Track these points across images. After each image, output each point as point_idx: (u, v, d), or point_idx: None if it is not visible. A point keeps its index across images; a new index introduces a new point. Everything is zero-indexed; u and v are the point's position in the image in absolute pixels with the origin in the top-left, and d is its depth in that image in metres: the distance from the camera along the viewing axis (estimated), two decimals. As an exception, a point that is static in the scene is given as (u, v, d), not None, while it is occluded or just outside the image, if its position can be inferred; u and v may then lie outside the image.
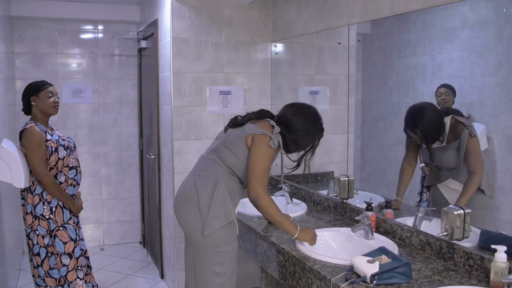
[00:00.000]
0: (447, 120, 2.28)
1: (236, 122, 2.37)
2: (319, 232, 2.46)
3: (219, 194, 2.25)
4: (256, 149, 2.23)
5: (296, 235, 2.26)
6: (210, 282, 2.29)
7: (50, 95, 2.92)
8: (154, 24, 4.00)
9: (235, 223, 2.35)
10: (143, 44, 4.44)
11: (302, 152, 2.37)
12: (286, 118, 2.31)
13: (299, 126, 2.29)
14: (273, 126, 2.27)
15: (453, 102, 2.33)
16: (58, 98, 2.98)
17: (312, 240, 2.25)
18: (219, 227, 2.24)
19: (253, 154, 2.23)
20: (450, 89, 2.33)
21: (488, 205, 2.20)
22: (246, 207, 2.97)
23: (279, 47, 3.77)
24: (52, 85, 2.98)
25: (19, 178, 2.77)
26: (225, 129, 2.41)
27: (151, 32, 4.21)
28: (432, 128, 2.32)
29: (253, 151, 2.24)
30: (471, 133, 2.18)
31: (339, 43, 3.16)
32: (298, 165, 2.37)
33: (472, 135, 2.18)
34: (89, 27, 4.95)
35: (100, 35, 4.97)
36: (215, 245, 2.26)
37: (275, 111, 2.45)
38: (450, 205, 2.04)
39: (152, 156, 4.25)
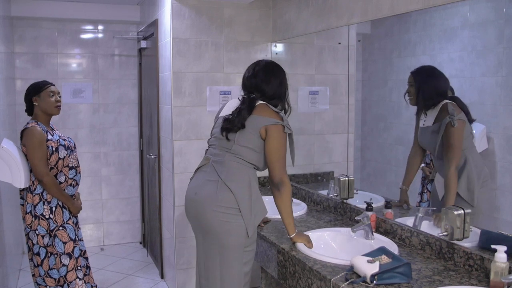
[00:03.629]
0: (442, 102, 2.29)
1: (235, 127, 2.30)
2: (320, 232, 2.47)
3: (255, 192, 2.30)
4: (274, 139, 2.28)
5: (292, 235, 2.33)
6: (238, 283, 2.29)
7: (52, 94, 2.93)
8: (154, 24, 4.00)
9: None
10: (143, 44, 4.44)
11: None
12: (264, 91, 2.37)
13: (276, 88, 2.38)
14: (276, 112, 2.31)
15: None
16: (60, 97, 2.99)
17: (308, 242, 2.30)
18: (258, 224, 2.31)
19: (272, 144, 2.28)
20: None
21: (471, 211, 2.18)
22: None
23: (279, 47, 3.77)
24: (53, 85, 2.99)
25: (19, 178, 2.77)
26: (226, 136, 2.32)
27: (151, 32, 4.21)
28: (428, 85, 2.35)
29: (271, 141, 2.28)
30: (452, 122, 2.18)
31: (339, 43, 3.17)
32: (289, 107, 2.44)
33: (452, 125, 2.18)
34: (89, 27, 4.95)
35: (100, 35, 4.97)
36: (247, 244, 2.29)
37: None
38: (450, 205, 2.04)
39: (152, 156, 4.25)
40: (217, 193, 2.26)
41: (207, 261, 2.36)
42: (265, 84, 2.36)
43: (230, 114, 2.36)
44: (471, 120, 2.20)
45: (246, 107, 2.31)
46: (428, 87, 2.35)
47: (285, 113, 2.41)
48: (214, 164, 2.34)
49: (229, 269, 2.29)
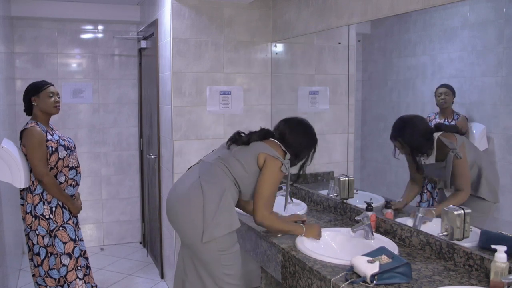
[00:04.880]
0: (436, 136, 2.30)
1: (240, 140, 2.38)
2: (319, 232, 2.47)
3: (226, 203, 2.26)
4: (268, 172, 2.30)
5: (303, 234, 2.35)
6: (221, 284, 2.28)
7: (51, 95, 2.93)
8: (154, 24, 4.00)
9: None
10: (143, 44, 4.44)
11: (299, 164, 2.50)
12: (285, 137, 2.41)
13: (298, 143, 2.41)
14: (284, 151, 2.35)
15: (453, 102, 2.33)
16: (59, 97, 2.99)
17: (318, 235, 2.36)
18: (220, 235, 2.23)
19: (264, 177, 2.30)
20: (449, 89, 2.33)
21: (490, 209, 2.21)
22: (246, 207, 2.97)
23: (279, 47, 3.77)
24: (52, 85, 2.99)
25: (19, 178, 2.77)
26: (228, 145, 2.42)
27: (151, 32, 4.21)
28: (416, 141, 2.39)
29: (265, 173, 2.30)
30: (457, 155, 2.21)
31: (339, 43, 3.16)
32: (298, 177, 2.51)
33: (458, 157, 2.22)
34: (89, 27, 4.95)
35: (100, 35, 4.97)
36: (221, 248, 2.26)
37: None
38: (450, 205, 2.04)
39: (152, 156, 4.25)
40: (189, 189, 2.29)
41: (186, 265, 2.37)
42: (289, 132, 2.41)
43: (244, 131, 2.44)
44: (462, 133, 2.24)
45: (259, 133, 2.40)
46: (417, 139, 2.38)
47: (298, 178, 2.47)
48: (201, 164, 2.41)
49: (206, 271, 2.28)
